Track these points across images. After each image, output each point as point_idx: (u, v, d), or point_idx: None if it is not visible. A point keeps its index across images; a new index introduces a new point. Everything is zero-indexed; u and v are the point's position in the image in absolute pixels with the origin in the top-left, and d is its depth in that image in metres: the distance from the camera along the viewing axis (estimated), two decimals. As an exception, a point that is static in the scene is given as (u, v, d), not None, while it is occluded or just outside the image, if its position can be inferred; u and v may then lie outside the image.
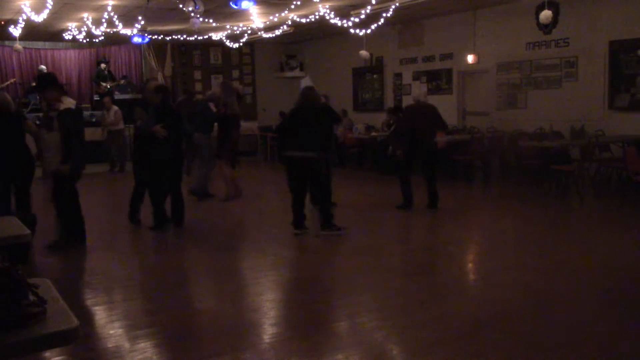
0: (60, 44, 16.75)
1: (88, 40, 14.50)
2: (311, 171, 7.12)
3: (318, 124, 7.09)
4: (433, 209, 8.52)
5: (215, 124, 9.97)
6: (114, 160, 14.33)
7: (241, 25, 13.70)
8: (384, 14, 11.49)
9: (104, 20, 11.62)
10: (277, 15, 11.89)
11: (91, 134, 15.19)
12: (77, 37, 13.85)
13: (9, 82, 15.99)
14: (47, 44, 16.88)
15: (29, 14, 10.67)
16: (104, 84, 16.64)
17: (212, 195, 10.03)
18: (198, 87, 18.11)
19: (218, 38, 15.20)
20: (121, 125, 14.15)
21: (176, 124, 7.53)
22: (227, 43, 15.63)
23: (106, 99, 14.48)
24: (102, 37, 13.80)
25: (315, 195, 7.42)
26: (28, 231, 3.74)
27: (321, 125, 7.12)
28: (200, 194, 9.89)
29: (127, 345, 4.09)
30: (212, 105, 10.13)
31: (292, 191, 7.27)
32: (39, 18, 10.78)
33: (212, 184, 10.17)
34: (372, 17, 11.68)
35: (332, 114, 7.40)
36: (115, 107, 14.16)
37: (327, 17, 11.32)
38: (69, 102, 6.39)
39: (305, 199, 7.34)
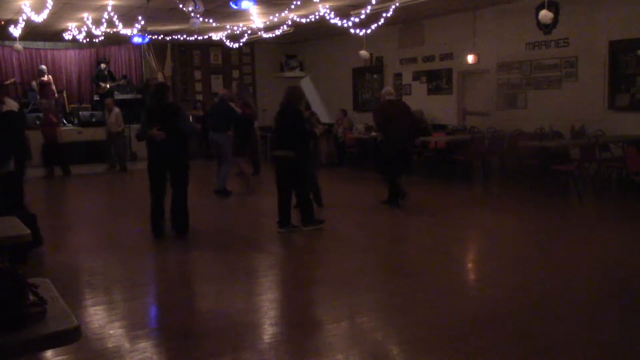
0: (60, 44, 16.75)
1: (88, 40, 14.49)
2: (283, 169, 7.39)
3: (287, 124, 7.33)
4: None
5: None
6: (113, 161, 14.45)
7: (241, 25, 13.70)
8: (384, 14, 11.49)
9: (104, 20, 11.62)
10: (277, 15, 11.89)
11: (92, 134, 15.27)
12: (77, 37, 13.85)
13: (9, 82, 15.99)
14: (47, 44, 16.88)
15: (29, 14, 10.67)
16: (103, 84, 16.63)
17: (230, 192, 10.15)
18: (198, 87, 18.13)
19: (218, 38, 15.20)
20: (121, 127, 14.22)
21: (173, 124, 6.98)
22: (227, 43, 15.63)
23: (109, 101, 14.52)
24: (102, 37, 13.80)
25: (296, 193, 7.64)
26: (28, 231, 3.74)
27: (289, 125, 7.31)
28: (221, 192, 10.13)
29: (127, 345, 4.09)
30: (233, 106, 10.38)
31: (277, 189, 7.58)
32: (39, 18, 10.78)
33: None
34: (372, 17, 11.67)
35: (296, 116, 7.38)
36: (116, 109, 14.20)
37: (327, 17, 11.32)
38: (12, 105, 6.29)
39: (288, 197, 7.50)
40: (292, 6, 10.74)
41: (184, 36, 15.22)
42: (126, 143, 14.87)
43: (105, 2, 10.67)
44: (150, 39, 14.88)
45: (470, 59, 13.03)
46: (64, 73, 17.29)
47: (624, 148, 9.17)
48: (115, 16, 11.31)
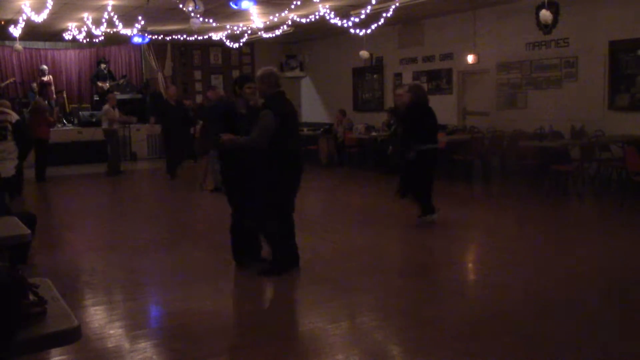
0: (60, 44, 16.76)
1: (88, 40, 14.49)
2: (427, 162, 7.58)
3: (432, 119, 7.90)
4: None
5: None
6: (111, 163, 13.52)
7: (241, 25, 13.70)
8: (384, 14, 11.49)
9: (104, 20, 11.62)
10: (277, 15, 11.89)
11: (92, 134, 15.23)
12: (77, 37, 13.85)
13: (8, 81, 15.99)
14: (47, 44, 16.88)
15: (29, 14, 10.67)
16: (100, 84, 16.61)
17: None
18: (198, 87, 18.13)
19: (218, 38, 15.20)
20: (116, 126, 13.63)
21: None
22: (227, 43, 15.63)
23: (110, 96, 13.84)
24: (102, 37, 13.79)
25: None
26: (28, 231, 3.74)
27: (433, 119, 7.92)
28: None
29: (127, 345, 4.09)
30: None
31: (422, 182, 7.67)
32: (39, 18, 10.78)
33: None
34: (372, 17, 11.68)
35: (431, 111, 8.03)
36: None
37: (327, 17, 11.32)
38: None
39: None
40: (292, 6, 10.74)
41: (184, 36, 15.22)
42: (119, 143, 14.54)
43: (105, 2, 10.67)
44: (150, 39, 14.88)
45: (470, 59, 13.03)
46: (64, 73, 17.28)
47: (624, 148, 9.16)
48: (115, 16, 11.32)
